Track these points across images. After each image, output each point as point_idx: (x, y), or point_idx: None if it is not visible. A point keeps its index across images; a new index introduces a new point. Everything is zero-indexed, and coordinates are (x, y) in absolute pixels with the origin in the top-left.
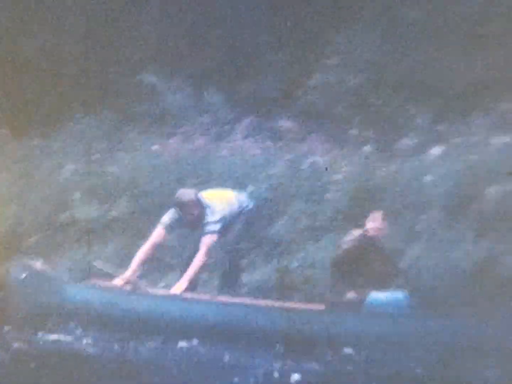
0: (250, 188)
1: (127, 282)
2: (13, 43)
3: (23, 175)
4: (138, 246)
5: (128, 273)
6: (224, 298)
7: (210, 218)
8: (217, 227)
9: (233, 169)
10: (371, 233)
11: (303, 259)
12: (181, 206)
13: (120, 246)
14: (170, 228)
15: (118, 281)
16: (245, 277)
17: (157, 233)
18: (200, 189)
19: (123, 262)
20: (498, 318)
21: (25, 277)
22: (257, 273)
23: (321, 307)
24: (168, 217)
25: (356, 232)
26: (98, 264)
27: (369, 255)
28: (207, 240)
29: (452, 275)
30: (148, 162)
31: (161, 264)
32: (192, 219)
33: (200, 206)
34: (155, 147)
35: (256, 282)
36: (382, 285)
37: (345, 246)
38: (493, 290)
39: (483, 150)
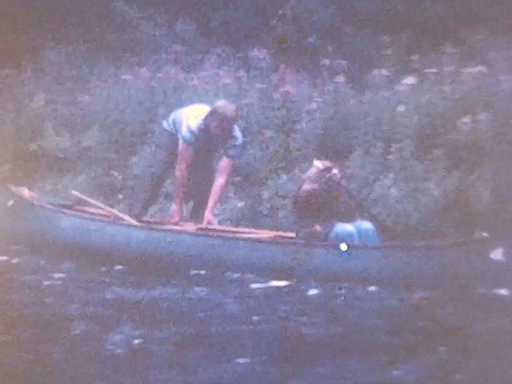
0: None
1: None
2: None
3: None
4: (110, 176)
5: (177, 207)
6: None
7: (236, 139)
8: (238, 150)
9: (205, 98)
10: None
11: (274, 189)
12: (219, 119)
13: (91, 176)
14: (195, 144)
15: (172, 217)
16: (216, 208)
17: (187, 153)
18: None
19: (95, 192)
20: (466, 249)
21: (12, 204)
22: (228, 204)
23: (292, 234)
24: (190, 132)
25: (316, 168)
26: (77, 193)
27: (330, 192)
28: (230, 164)
29: (423, 206)
30: (119, 91)
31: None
32: (220, 135)
33: (233, 123)
34: (126, 76)
35: (227, 213)
36: (347, 218)
37: (305, 185)
38: (463, 220)
39: (456, 81)
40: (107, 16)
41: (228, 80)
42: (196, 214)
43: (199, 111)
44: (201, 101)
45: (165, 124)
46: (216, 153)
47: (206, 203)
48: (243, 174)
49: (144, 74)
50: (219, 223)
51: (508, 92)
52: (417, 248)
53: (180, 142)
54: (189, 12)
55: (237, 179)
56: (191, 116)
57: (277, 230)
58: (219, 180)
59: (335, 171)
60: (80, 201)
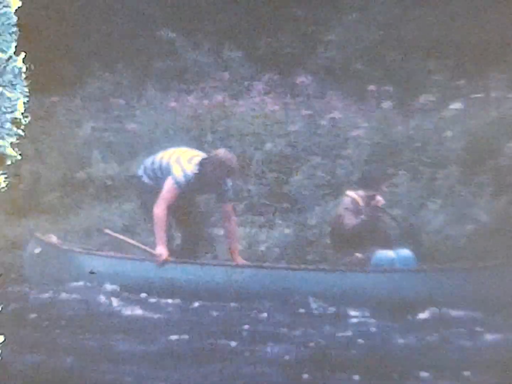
0: (269, 145)
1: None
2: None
3: (43, 132)
4: None
5: (163, 247)
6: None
7: (226, 184)
8: (231, 192)
9: (252, 126)
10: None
11: (321, 216)
12: (220, 167)
13: (138, 204)
14: (184, 188)
15: (160, 257)
16: (263, 234)
17: (172, 193)
18: (218, 146)
19: (142, 220)
20: None
21: (40, 251)
22: (275, 230)
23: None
24: (185, 176)
25: (349, 198)
26: (109, 231)
27: (374, 222)
28: (231, 207)
29: (470, 231)
30: (166, 119)
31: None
32: (216, 183)
33: (234, 173)
34: (173, 104)
35: (274, 239)
36: (386, 246)
37: (347, 218)
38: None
39: (502, 106)
40: (154, 44)
41: (275, 107)
42: (188, 251)
43: (189, 155)
44: (248, 128)
45: (144, 178)
46: (205, 195)
47: (196, 240)
48: (291, 200)
49: (191, 101)
50: (266, 249)
51: None
52: (466, 270)
53: (170, 181)
54: (236, 39)
55: (284, 205)
56: (183, 160)
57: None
58: (232, 224)
59: (379, 197)
60: (111, 240)
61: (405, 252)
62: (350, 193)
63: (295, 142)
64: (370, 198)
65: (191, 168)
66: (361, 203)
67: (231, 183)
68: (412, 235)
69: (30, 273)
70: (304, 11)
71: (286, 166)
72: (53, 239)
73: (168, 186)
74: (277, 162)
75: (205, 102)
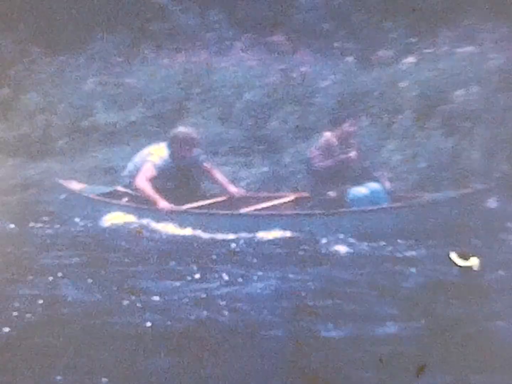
0: (247, 95)
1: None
2: None
3: (54, 87)
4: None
5: (163, 201)
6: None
7: (197, 151)
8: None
9: (233, 79)
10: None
11: (294, 155)
12: (185, 142)
13: (138, 146)
14: (163, 171)
15: (166, 207)
16: (244, 172)
17: (150, 172)
18: (203, 100)
19: None
20: (461, 205)
21: (65, 197)
22: (254, 169)
23: (306, 194)
24: (161, 160)
25: (323, 139)
26: (121, 188)
27: (339, 161)
28: (209, 164)
29: (423, 168)
30: (160, 73)
31: None
32: (187, 156)
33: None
34: (165, 61)
35: (253, 177)
36: (357, 181)
37: (319, 159)
38: (458, 180)
39: (450, 59)
40: (149, 9)
41: (253, 63)
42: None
43: (153, 147)
44: (229, 81)
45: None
46: (193, 166)
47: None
48: (267, 143)
49: (180, 59)
50: (247, 185)
51: (496, 68)
52: (424, 205)
53: (148, 163)
54: (219, 3)
55: (261, 147)
56: (153, 151)
57: (297, 191)
58: (216, 174)
59: (352, 128)
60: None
61: (375, 185)
62: (327, 133)
63: (271, 92)
64: (345, 134)
65: (164, 153)
66: (336, 141)
67: (198, 151)
68: (374, 171)
69: (58, 214)
70: None
71: (263, 113)
72: (74, 184)
73: (146, 166)
74: (255, 110)
75: (193, 59)
